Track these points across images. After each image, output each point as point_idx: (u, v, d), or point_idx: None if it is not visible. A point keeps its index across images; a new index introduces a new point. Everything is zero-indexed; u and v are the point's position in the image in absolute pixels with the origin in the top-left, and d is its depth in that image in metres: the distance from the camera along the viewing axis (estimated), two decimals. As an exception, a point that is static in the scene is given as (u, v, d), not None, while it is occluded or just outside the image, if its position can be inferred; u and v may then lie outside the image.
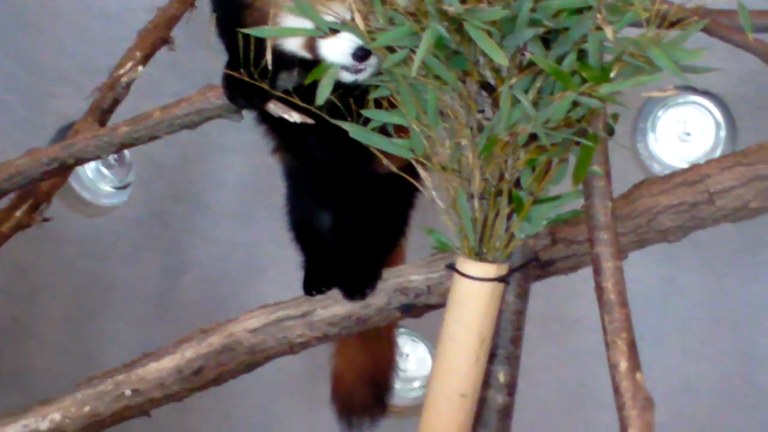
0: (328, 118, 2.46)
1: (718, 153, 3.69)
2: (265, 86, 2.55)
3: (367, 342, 2.96)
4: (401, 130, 2.45)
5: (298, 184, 2.90)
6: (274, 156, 2.88)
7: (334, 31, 2.43)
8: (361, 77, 2.46)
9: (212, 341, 2.83)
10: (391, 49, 2.32)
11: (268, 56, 2.46)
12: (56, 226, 3.41)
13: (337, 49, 2.44)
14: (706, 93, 3.70)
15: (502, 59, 2.20)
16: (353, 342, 2.95)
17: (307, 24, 2.43)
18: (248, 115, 2.72)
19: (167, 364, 2.83)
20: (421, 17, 2.23)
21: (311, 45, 2.49)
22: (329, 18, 2.40)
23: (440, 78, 2.30)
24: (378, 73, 2.42)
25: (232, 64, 2.58)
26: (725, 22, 2.54)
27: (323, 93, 2.41)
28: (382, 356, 3.01)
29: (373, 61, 2.43)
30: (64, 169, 2.92)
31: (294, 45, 2.51)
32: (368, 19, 2.33)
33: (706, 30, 2.43)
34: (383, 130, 2.45)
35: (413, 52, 2.24)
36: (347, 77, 2.47)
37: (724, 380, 3.80)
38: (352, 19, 2.35)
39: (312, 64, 2.49)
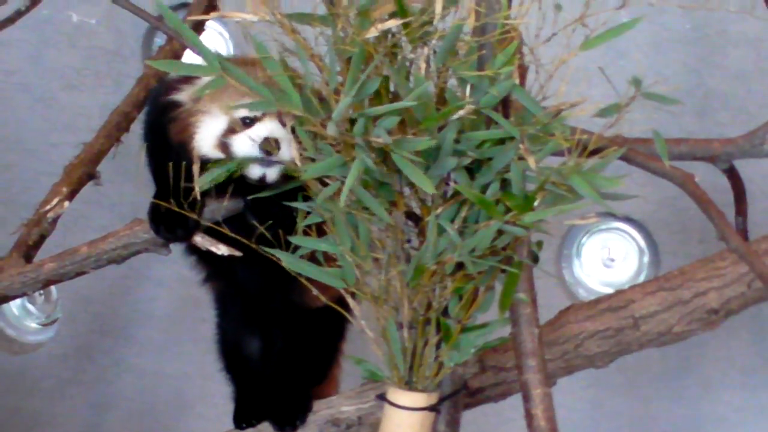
0: (257, 247, 2.47)
1: (642, 278, 3.71)
2: (194, 216, 2.55)
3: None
4: (330, 260, 2.46)
5: (227, 314, 2.89)
6: (203, 286, 2.87)
7: (246, 127, 2.49)
8: (271, 173, 2.49)
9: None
10: (323, 183, 2.34)
11: (195, 168, 2.47)
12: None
13: (247, 141, 2.48)
14: (628, 219, 3.75)
15: (429, 188, 2.22)
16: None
17: (222, 124, 2.50)
18: (175, 248, 2.72)
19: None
20: (347, 149, 2.26)
21: (222, 144, 2.52)
22: (241, 112, 2.47)
23: (368, 209, 2.32)
24: (306, 197, 2.43)
25: (160, 195, 2.59)
26: (642, 150, 2.58)
27: (207, 178, 2.47)
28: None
29: (285, 152, 2.45)
30: (-11, 307, 2.89)
31: (207, 147, 2.53)
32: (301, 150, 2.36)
33: (624, 158, 2.47)
34: (312, 259, 2.45)
35: (343, 183, 2.26)
36: (257, 172, 2.49)
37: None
38: (263, 115, 2.45)
39: (250, 188, 2.52)
